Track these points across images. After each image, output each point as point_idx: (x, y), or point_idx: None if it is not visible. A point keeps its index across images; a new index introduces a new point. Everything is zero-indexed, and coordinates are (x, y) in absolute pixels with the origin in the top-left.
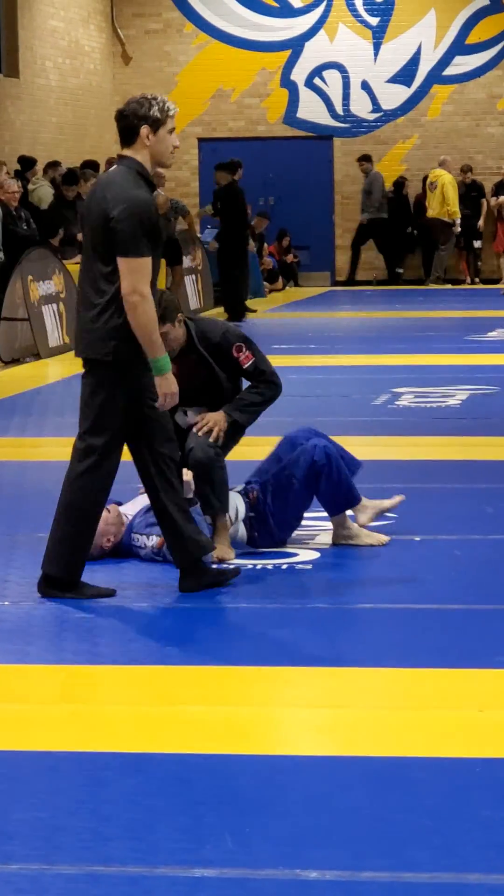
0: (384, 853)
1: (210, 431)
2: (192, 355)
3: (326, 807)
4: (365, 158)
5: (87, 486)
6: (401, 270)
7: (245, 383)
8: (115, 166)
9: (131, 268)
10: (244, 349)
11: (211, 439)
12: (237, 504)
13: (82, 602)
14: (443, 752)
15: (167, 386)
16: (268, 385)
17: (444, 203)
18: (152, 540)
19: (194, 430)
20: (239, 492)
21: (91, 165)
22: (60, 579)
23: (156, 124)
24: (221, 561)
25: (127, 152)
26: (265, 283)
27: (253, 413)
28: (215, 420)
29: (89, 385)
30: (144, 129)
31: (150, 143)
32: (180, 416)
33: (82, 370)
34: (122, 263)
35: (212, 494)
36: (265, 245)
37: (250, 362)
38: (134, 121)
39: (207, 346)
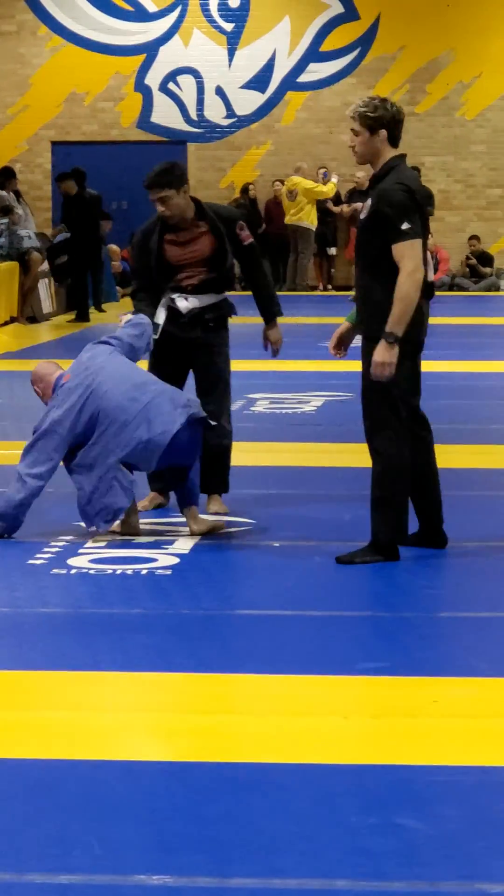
0: (252, 859)
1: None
2: (202, 224)
3: (193, 813)
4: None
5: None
6: None
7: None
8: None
9: None
10: (245, 228)
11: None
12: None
13: None
14: (308, 758)
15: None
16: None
17: (309, 206)
18: None
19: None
20: None
21: None
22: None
23: None
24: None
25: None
26: (118, 287)
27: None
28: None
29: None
30: None
31: None
32: (180, 301)
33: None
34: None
35: None
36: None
37: (250, 241)
38: None
39: (219, 217)
